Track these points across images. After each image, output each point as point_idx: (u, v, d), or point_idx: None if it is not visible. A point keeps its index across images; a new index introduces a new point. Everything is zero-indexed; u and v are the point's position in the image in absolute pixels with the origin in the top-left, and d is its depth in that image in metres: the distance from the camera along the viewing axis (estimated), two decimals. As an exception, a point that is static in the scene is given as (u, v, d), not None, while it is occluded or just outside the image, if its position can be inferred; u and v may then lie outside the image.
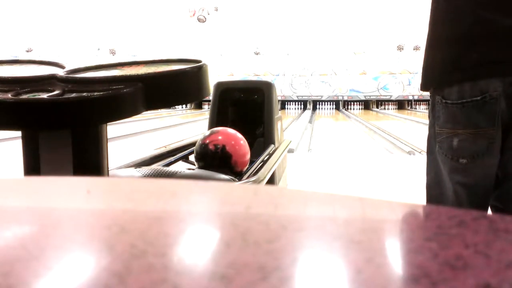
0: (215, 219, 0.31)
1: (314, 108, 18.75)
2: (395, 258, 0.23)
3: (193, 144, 1.93)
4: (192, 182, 0.38)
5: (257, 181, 1.46)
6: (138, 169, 1.38)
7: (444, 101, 1.18)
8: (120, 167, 1.51)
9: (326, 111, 18.60)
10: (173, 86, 0.74)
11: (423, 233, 0.27)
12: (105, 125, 0.72)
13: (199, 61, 0.78)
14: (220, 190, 0.37)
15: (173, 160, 2.01)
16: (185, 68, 0.76)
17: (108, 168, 0.74)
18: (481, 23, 1.13)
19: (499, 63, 1.12)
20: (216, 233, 0.28)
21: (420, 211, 0.32)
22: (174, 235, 0.27)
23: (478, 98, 1.12)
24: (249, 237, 0.25)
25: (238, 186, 0.39)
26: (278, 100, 2.92)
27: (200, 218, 0.31)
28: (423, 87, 1.28)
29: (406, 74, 18.99)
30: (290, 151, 4.15)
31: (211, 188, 0.38)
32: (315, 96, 19.33)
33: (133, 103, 0.69)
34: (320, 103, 19.24)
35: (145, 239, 0.25)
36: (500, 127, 1.13)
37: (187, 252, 0.24)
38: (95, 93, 0.67)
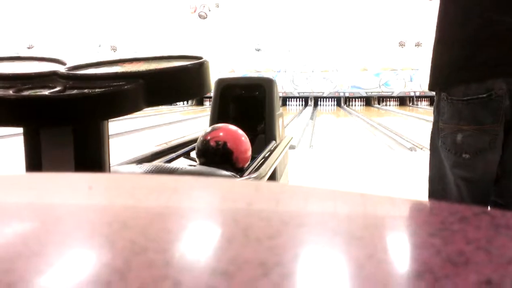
0: (216, 215, 0.31)
1: (316, 105, 18.73)
2: (397, 254, 0.23)
3: (194, 141, 1.93)
4: (193, 178, 0.38)
5: (259, 178, 1.46)
6: (139, 165, 1.38)
7: (449, 97, 1.21)
8: (122, 164, 1.51)
9: (327, 107, 18.58)
10: (174, 82, 0.74)
11: (425, 229, 0.27)
12: (106, 121, 0.72)
13: (200, 58, 0.78)
14: (221, 186, 0.37)
15: (174, 156, 2.01)
16: (186, 65, 0.76)
17: (109, 164, 0.74)
18: (488, 26, 1.15)
19: (505, 65, 1.15)
20: (217, 229, 0.28)
21: (422, 207, 0.32)
22: (175, 231, 0.27)
23: (484, 95, 1.15)
24: (251, 233, 0.25)
25: (239, 182, 0.39)
26: (280, 97, 2.92)
27: (201, 214, 0.31)
28: (431, 87, 1.31)
29: (408, 71, 18.96)
30: (292, 147, 4.15)
31: (212, 184, 0.38)
32: (316, 92, 19.31)
33: (134, 100, 0.69)
34: (322, 99, 19.22)
35: (146, 235, 0.25)
36: (503, 125, 1.16)
37: (188, 248, 0.24)
38: (96, 90, 0.67)
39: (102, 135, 0.71)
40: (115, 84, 0.68)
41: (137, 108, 0.70)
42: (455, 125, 1.21)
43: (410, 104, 18.77)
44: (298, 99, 19.35)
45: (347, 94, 19.16)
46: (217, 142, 1.59)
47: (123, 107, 0.71)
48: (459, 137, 1.20)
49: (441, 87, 1.25)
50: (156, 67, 0.76)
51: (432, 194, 1.31)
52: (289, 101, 19.22)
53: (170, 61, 0.82)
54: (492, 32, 1.15)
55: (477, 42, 1.17)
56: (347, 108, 17.49)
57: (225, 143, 1.58)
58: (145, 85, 0.69)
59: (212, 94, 2.58)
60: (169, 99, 0.82)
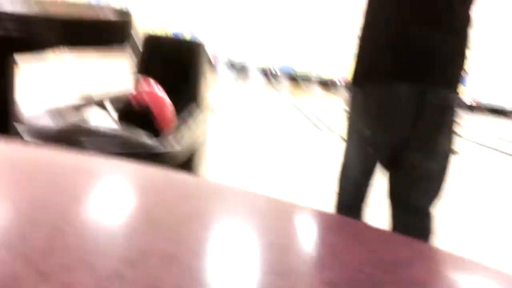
0: (125, 203, 0.33)
1: (245, 76, 18.72)
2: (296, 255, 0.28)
3: (116, 96, 1.87)
4: (111, 161, 0.40)
5: (179, 142, 1.47)
6: (54, 116, 1.32)
7: (362, 95, 1.35)
8: (36, 111, 1.42)
9: (256, 80, 18.67)
10: (91, 30, 0.74)
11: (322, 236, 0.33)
12: (16, 60, 0.70)
13: (124, 9, 0.78)
14: (136, 173, 0.40)
15: (92, 108, 1.93)
16: (105, 15, 0.76)
17: (16, 102, 0.73)
18: (404, 34, 1.28)
19: (412, 71, 1.29)
20: (123, 217, 0.30)
21: (326, 218, 0.37)
22: (88, 217, 0.29)
23: (391, 97, 1.29)
24: (157, 223, 0.28)
25: (156, 172, 0.41)
26: (209, 63, 2.88)
27: (112, 201, 0.33)
28: (350, 81, 1.43)
29: (336, 58, 19.61)
30: (214, 113, 4.18)
31: (126, 170, 0.40)
32: (246, 64, 19.26)
33: (48, 41, 0.68)
34: (251, 71, 19.24)
35: (64, 218, 0.27)
36: (408, 123, 1.30)
37: (97, 235, 0.26)
38: (9, 28, 0.65)
39: (10, 73, 0.70)
40: (30, 24, 0.67)
41: (51, 49, 0.70)
42: (364, 121, 1.35)
43: (333, 89, 19.54)
44: (227, 67, 19.14)
45: (277, 72, 19.38)
46: (140, 104, 1.56)
47: (35, 47, 0.70)
48: (366, 132, 1.34)
49: (355, 83, 1.39)
50: (77, 13, 0.76)
51: (339, 180, 1.48)
52: (218, 68, 18.93)
53: (93, 9, 0.81)
54: (405, 40, 1.28)
55: (392, 49, 1.30)
56: (275, 84, 17.75)
57: (148, 106, 1.56)
58: (62, 28, 0.68)
59: (138, 48, 2.47)
60: (85, 46, 0.82)
